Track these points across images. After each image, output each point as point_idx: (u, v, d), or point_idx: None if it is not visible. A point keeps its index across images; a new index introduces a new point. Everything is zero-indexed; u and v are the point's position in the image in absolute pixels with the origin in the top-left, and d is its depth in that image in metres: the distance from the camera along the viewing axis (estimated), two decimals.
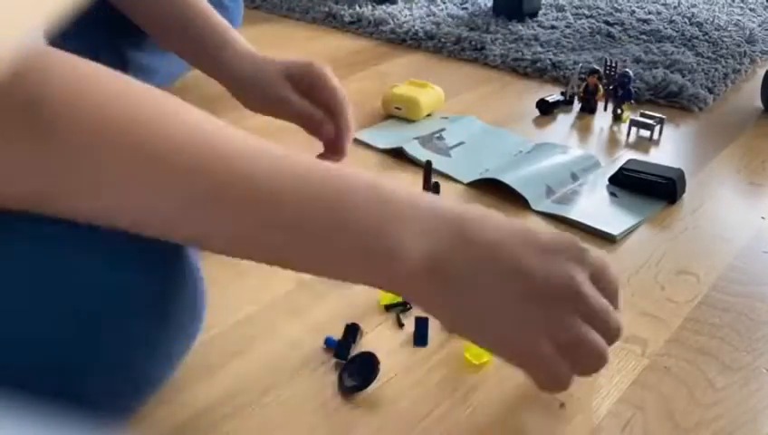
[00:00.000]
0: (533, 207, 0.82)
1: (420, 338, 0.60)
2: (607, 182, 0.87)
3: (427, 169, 0.74)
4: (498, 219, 0.48)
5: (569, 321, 0.46)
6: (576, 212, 0.81)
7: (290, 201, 0.43)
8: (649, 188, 0.85)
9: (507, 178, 0.84)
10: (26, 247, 0.40)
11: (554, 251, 0.47)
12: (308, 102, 0.77)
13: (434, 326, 0.61)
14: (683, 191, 0.86)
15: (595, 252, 0.49)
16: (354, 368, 0.56)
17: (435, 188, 0.75)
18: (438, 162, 0.90)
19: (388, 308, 0.64)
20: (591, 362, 0.48)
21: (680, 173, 0.86)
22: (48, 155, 0.37)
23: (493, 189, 0.84)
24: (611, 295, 0.49)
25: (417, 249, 0.44)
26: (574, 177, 0.88)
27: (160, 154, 0.39)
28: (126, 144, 0.39)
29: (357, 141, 0.97)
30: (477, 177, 0.87)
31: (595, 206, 0.83)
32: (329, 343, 0.59)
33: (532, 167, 0.89)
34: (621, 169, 0.87)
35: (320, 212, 0.43)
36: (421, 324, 0.61)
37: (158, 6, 0.82)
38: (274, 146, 0.44)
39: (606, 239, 0.76)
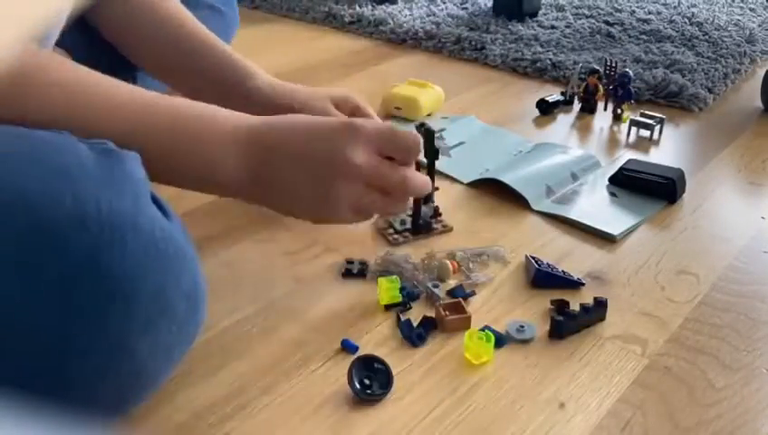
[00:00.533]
0: (533, 207, 0.82)
1: (417, 336, 0.60)
2: (607, 182, 0.87)
3: (426, 134, 0.74)
4: (284, 121, 0.61)
5: (358, 190, 0.60)
6: (576, 212, 0.81)
7: (137, 129, 0.55)
8: (649, 189, 0.85)
9: (507, 178, 0.84)
10: (18, 238, 0.41)
11: (326, 134, 0.60)
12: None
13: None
14: (683, 191, 0.86)
15: (380, 124, 0.62)
16: (362, 370, 0.56)
17: (435, 154, 0.76)
18: (439, 162, 0.90)
19: (387, 308, 0.64)
20: (389, 212, 0.68)
21: (680, 173, 0.86)
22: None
23: (493, 189, 0.84)
24: (401, 152, 0.62)
25: (236, 165, 0.59)
26: (574, 177, 0.88)
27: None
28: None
29: None
30: (477, 176, 0.87)
31: (595, 206, 0.83)
32: (346, 345, 0.60)
33: (532, 167, 0.89)
34: (621, 169, 0.87)
35: (158, 135, 0.56)
36: (419, 324, 0.61)
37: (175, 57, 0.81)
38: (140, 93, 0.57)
39: (606, 239, 0.76)
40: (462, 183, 0.88)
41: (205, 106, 0.60)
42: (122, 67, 0.81)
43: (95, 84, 0.55)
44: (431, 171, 0.75)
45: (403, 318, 0.63)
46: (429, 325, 0.62)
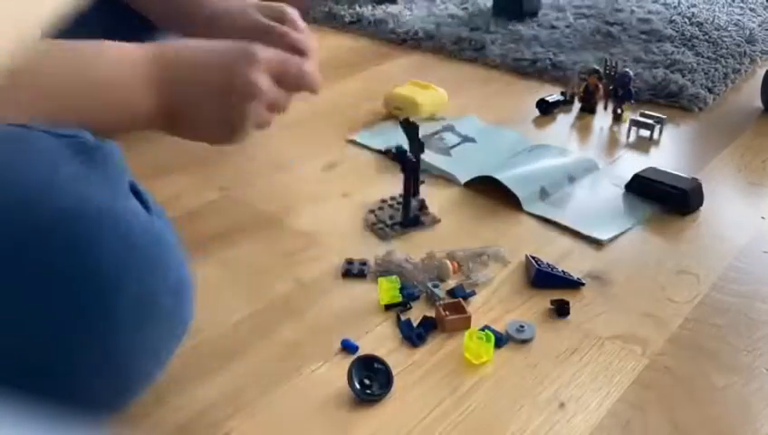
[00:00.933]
0: (525, 208, 0.81)
1: (417, 336, 0.60)
2: (623, 190, 0.86)
3: (410, 128, 0.75)
4: (193, 51, 0.65)
5: (258, 109, 0.64)
6: (568, 215, 0.80)
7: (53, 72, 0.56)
8: (662, 198, 0.83)
9: (502, 177, 0.84)
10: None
11: (235, 61, 0.63)
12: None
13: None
14: (700, 203, 0.83)
15: (271, 53, 0.64)
16: (362, 370, 0.56)
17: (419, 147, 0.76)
18: (438, 162, 0.90)
19: (387, 308, 0.64)
20: (297, 83, 0.67)
21: (695, 184, 0.83)
22: None
23: (492, 190, 0.84)
24: (292, 79, 0.66)
25: (147, 97, 0.61)
26: (571, 179, 0.88)
27: None
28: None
29: (356, 142, 0.97)
30: (475, 175, 0.87)
31: (587, 209, 0.82)
32: (346, 345, 0.60)
33: (529, 167, 0.89)
34: (636, 175, 0.85)
35: (71, 76, 0.57)
36: (419, 324, 0.61)
37: None
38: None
39: (597, 243, 0.76)
40: (454, 185, 0.88)
41: (101, 43, 0.61)
42: (140, 29, 0.84)
43: None
44: (416, 165, 0.75)
45: (403, 318, 0.63)
46: (429, 325, 0.62)
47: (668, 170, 0.86)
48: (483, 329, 0.61)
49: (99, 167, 0.46)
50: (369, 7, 1.55)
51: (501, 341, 0.60)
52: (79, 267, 0.42)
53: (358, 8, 1.54)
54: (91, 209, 0.43)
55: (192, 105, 0.63)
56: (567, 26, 1.46)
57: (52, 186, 0.43)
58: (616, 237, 0.77)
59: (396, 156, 0.76)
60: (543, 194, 0.84)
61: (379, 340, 0.61)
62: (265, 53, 0.64)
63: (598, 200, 0.84)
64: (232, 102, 0.63)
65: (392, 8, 1.54)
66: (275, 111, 0.68)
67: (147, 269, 0.45)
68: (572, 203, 0.83)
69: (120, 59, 0.61)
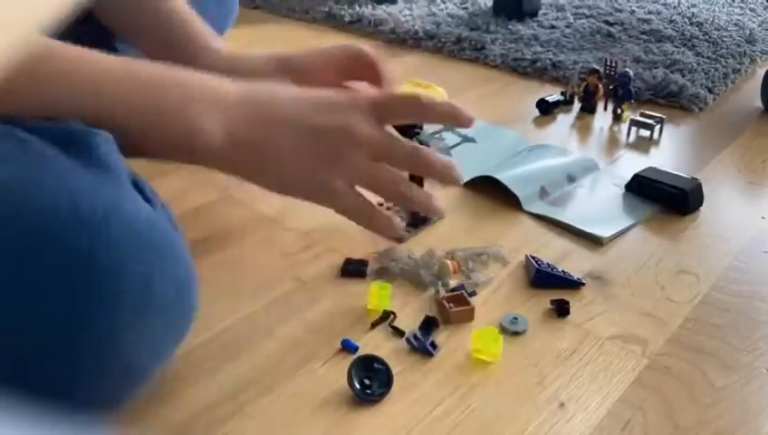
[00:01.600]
0: (525, 207, 0.81)
1: (431, 345, 0.60)
2: (623, 190, 0.86)
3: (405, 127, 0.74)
4: (282, 92, 0.60)
5: (356, 160, 0.59)
6: (568, 214, 0.80)
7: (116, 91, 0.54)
8: (661, 198, 0.83)
9: (502, 177, 0.84)
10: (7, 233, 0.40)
11: (331, 107, 0.59)
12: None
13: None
14: (699, 204, 0.83)
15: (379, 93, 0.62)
16: (362, 370, 0.56)
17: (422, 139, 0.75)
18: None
19: (373, 325, 0.62)
20: (392, 188, 0.61)
21: (695, 185, 0.83)
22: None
23: (491, 190, 0.84)
24: (412, 114, 0.63)
25: (215, 131, 0.56)
26: (571, 179, 0.88)
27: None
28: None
29: None
30: (475, 175, 0.87)
31: (588, 209, 0.82)
32: (346, 345, 0.60)
33: (529, 167, 0.89)
34: (636, 175, 0.85)
35: (139, 102, 0.54)
36: (422, 326, 0.61)
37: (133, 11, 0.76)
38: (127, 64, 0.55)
39: (596, 242, 0.76)
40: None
41: (191, 73, 0.57)
42: (100, 36, 0.78)
43: (77, 59, 0.53)
44: None
45: (408, 333, 0.61)
46: (432, 325, 0.61)
47: (668, 170, 0.86)
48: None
49: (101, 160, 0.46)
50: (369, 7, 1.55)
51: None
52: (82, 263, 0.42)
53: (358, 8, 1.54)
54: (94, 203, 0.43)
55: (279, 146, 0.58)
56: (567, 26, 1.46)
57: (56, 179, 0.43)
58: (616, 236, 0.77)
59: None
60: (543, 193, 0.84)
61: (379, 340, 0.61)
62: (373, 98, 0.60)
63: (598, 200, 0.84)
64: (323, 145, 0.58)
65: (392, 8, 1.54)
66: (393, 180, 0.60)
67: (149, 263, 0.45)
68: (572, 203, 0.83)
69: (201, 83, 0.57)
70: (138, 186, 0.49)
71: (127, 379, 0.47)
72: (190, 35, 0.74)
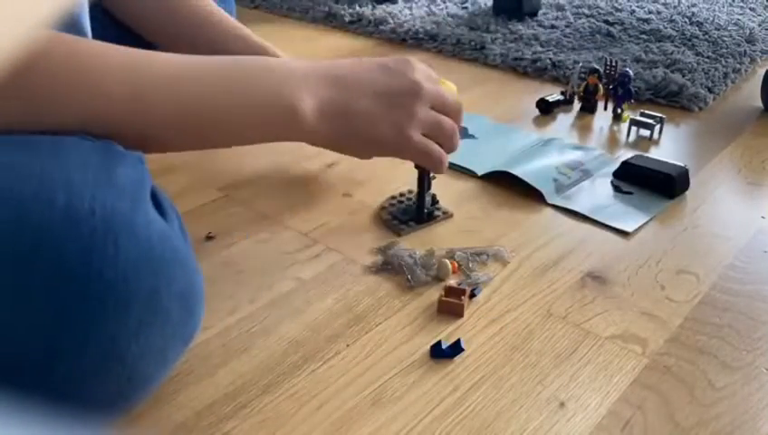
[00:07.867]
0: (548, 200, 0.83)
1: (456, 346, 0.59)
2: (612, 177, 0.88)
3: None
4: (355, 64, 0.68)
5: (424, 112, 0.69)
6: (589, 207, 0.82)
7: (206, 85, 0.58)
8: (649, 183, 0.86)
9: (520, 172, 0.85)
10: (8, 237, 0.40)
11: (399, 70, 0.68)
12: None
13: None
14: (685, 188, 0.86)
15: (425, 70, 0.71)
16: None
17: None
18: (450, 154, 0.90)
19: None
20: (449, 139, 0.72)
21: (682, 170, 0.86)
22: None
23: (505, 183, 0.85)
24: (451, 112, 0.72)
25: (310, 104, 0.63)
26: (586, 173, 0.89)
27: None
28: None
29: None
30: (491, 169, 0.88)
31: (607, 202, 0.84)
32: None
33: (543, 161, 0.90)
34: (624, 162, 0.88)
35: (229, 92, 0.59)
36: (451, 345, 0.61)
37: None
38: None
39: (620, 233, 0.77)
40: (465, 180, 0.88)
41: (268, 59, 0.63)
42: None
43: (151, 60, 0.56)
44: None
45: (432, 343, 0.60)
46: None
47: (656, 157, 0.90)
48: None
49: (122, 173, 0.46)
50: (369, 7, 1.55)
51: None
52: (88, 273, 0.41)
53: (358, 8, 1.54)
54: (107, 215, 0.43)
55: (365, 111, 0.66)
56: (567, 26, 1.46)
57: (71, 189, 0.43)
58: (639, 228, 0.79)
59: None
60: (560, 187, 0.85)
61: (380, 340, 0.61)
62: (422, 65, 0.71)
63: (613, 193, 0.86)
64: (400, 103, 0.67)
65: (392, 8, 1.54)
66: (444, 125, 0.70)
67: (157, 278, 0.45)
68: (590, 195, 0.85)
69: (284, 65, 0.63)
70: (156, 198, 0.49)
71: (131, 388, 0.47)
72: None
